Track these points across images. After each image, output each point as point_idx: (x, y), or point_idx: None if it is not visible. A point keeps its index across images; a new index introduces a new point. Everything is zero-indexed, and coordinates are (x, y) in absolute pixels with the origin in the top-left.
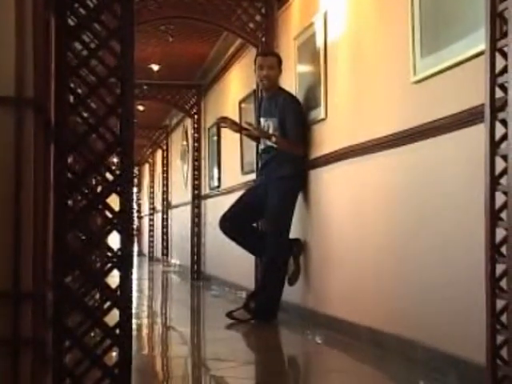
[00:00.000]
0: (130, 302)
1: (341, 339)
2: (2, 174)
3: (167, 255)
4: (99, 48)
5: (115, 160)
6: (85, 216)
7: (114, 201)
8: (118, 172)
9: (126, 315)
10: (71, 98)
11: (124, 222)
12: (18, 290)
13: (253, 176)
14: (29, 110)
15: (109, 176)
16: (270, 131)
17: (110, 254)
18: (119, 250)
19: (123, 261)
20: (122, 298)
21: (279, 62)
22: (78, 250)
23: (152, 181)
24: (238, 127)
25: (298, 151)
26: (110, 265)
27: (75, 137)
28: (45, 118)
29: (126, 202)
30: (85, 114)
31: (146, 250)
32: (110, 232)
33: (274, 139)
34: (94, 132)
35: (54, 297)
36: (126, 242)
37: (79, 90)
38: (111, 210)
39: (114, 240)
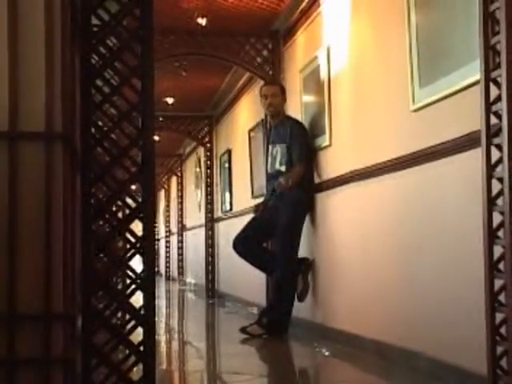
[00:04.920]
0: (154, 321)
1: (348, 351)
2: (34, 201)
3: (183, 275)
4: (122, 85)
5: (133, 187)
6: (110, 241)
7: (135, 226)
8: (140, 199)
9: (150, 333)
10: (96, 131)
11: (147, 246)
12: (50, 312)
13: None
14: (58, 144)
15: (132, 203)
16: (278, 156)
17: (133, 276)
18: (142, 272)
19: (146, 282)
20: (145, 317)
21: (282, 90)
22: (104, 273)
23: (168, 205)
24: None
25: (303, 171)
26: (133, 286)
27: (100, 167)
28: (72, 150)
29: (149, 227)
30: (108, 146)
31: (162, 270)
32: (133, 256)
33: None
34: (118, 163)
35: (82, 317)
36: (149, 264)
37: (102, 124)
38: (135, 235)
39: (135, 262)
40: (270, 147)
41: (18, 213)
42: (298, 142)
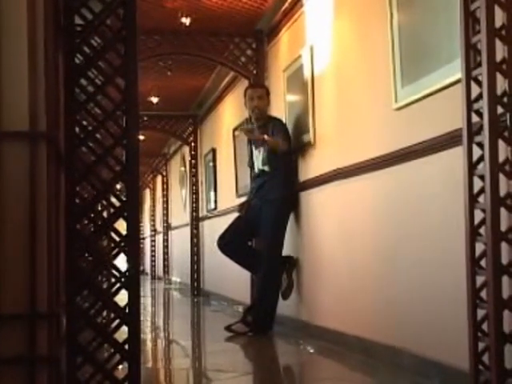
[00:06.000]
0: (139, 319)
1: (332, 349)
2: (18, 201)
3: (168, 273)
4: (106, 84)
5: (118, 186)
6: (95, 240)
7: (120, 225)
8: (124, 198)
9: (135, 332)
10: (80, 131)
11: (131, 244)
12: (35, 311)
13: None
14: (42, 143)
15: (116, 202)
16: (262, 157)
17: (118, 274)
18: (127, 271)
19: (131, 281)
20: (130, 315)
21: (267, 93)
22: (89, 272)
23: (153, 204)
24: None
25: (286, 147)
26: (118, 285)
27: (84, 166)
28: (56, 149)
29: (133, 226)
30: (93, 145)
31: (148, 268)
32: (118, 255)
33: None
34: (102, 162)
35: (67, 316)
36: (133, 263)
37: (86, 123)
38: (119, 234)
39: (120, 261)
40: (254, 148)
41: (2, 212)
42: (281, 132)
